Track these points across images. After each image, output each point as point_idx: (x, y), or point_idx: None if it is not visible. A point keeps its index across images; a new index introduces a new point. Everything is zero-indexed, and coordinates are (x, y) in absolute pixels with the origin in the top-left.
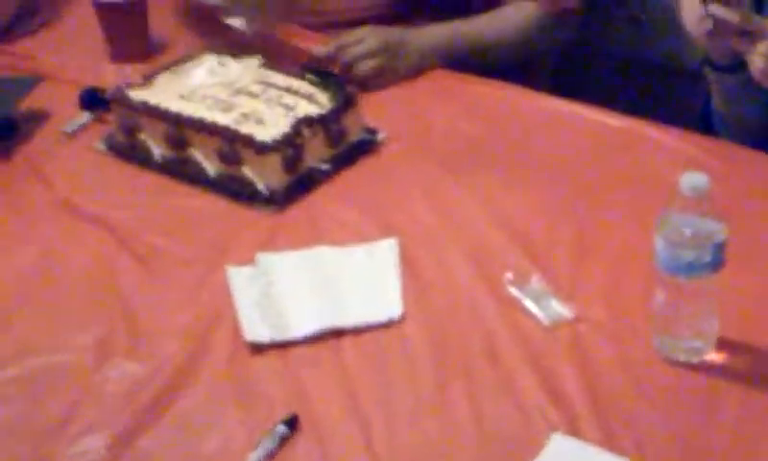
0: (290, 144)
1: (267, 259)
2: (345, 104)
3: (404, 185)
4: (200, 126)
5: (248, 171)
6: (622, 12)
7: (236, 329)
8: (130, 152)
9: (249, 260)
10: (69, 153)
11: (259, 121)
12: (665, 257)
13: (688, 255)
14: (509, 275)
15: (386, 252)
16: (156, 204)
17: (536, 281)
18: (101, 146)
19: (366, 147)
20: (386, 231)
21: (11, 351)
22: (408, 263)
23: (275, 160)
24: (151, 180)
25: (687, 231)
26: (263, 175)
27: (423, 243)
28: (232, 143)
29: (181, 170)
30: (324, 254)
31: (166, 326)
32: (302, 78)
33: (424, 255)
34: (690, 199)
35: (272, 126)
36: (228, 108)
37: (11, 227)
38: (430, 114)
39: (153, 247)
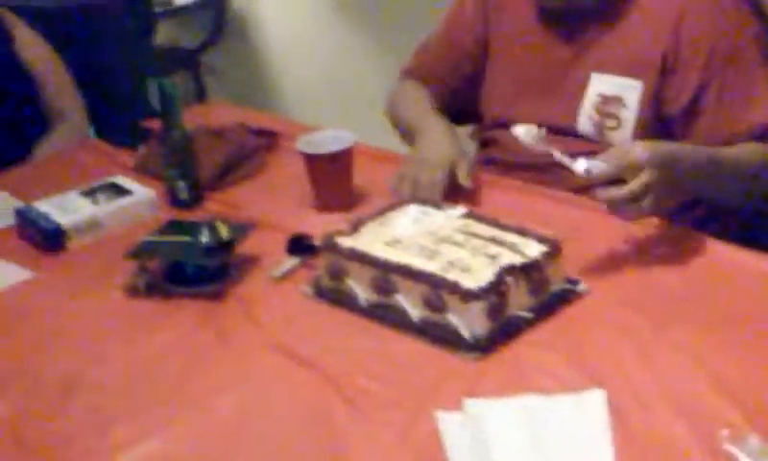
0: (495, 292)
1: (475, 406)
2: (548, 254)
3: (607, 337)
4: (407, 272)
5: (452, 317)
6: None
7: None
8: (336, 296)
9: (454, 406)
10: (278, 296)
11: (465, 269)
12: None
13: None
14: (725, 431)
15: (595, 403)
16: (362, 347)
17: (753, 439)
18: (308, 290)
19: (567, 297)
20: (591, 382)
21: None
22: (616, 416)
23: (479, 308)
24: (356, 323)
25: None
26: (468, 321)
27: (631, 396)
28: (438, 290)
29: (386, 314)
30: (532, 403)
31: None
32: (505, 229)
33: (633, 409)
34: None
35: (477, 274)
36: (432, 255)
37: (226, 366)
38: (629, 264)
39: (362, 389)
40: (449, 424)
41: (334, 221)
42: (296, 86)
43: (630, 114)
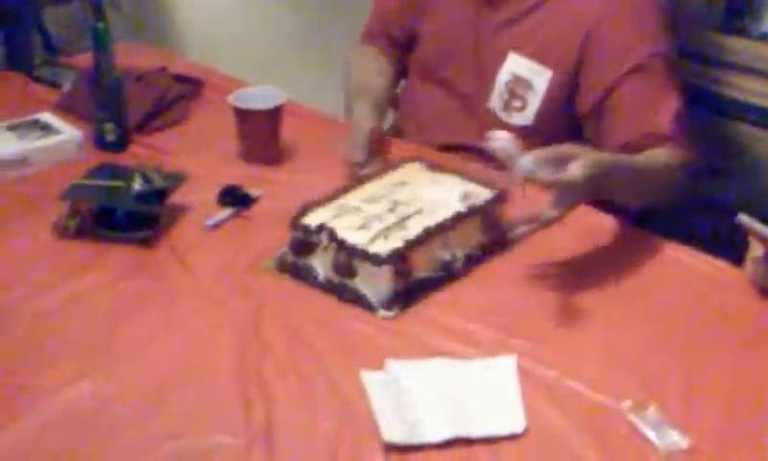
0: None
1: (396, 366)
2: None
3: (520, 302)
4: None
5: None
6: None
7: (371, 430)
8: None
9: (375, 365)
10: (210, 246)
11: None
12: None
13: None
14: (627, 402)
15: (506, 367)
16: (288, 303)
17: (653, 411)
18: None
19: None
20: (503, 347)
21: (167, 430)
22: (527, 377)
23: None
24: (285, 282)
25: None
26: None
27: (539, 364)
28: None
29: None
30: (448, 366)
31: (305, 422)
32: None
33: (541, 376)
34: None
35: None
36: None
37: (159, 312)
38: (544, 237)
39: (289, 345)
40: (372, 382)
41: (261, 172)
42: (201, 28)
43: (535, 99)
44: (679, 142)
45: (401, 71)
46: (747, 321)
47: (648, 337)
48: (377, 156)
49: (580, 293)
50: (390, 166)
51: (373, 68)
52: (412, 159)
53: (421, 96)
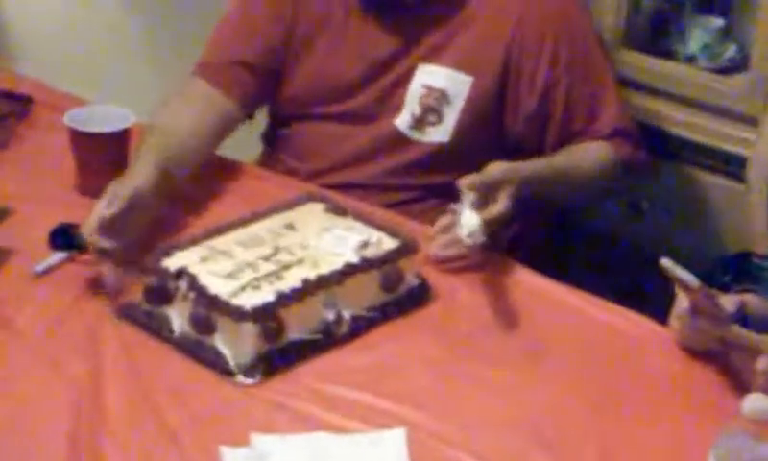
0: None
1: (263, 442)
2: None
3: (410, 366)
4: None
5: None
6: (624, 197)
7: None
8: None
9: (236, 440)
10: (39, 296)
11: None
12: None
13: None
14: None
15: (394, 443)
16: (135, 364)
17: None
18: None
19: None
20: (388, 417)
21: None
22: (419, 454)
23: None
24: (133, 335)
25: (745, 456)
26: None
27: (431, 437)
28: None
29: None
30: (326, 441)
31: None
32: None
33: (432, 452)
34: (750, 421)
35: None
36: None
37: None
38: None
39: (133, 416)
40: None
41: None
42: (33, 35)
43: (453, 112)
44: (619, 139)
45: (249, 110)
46: (669, 385)
47: (558, 403)
48: (130, 229)
49: (481, 355)
50: (284, 205)
51: (189, 121)
52: (312, 199)
53: (308, 134)
